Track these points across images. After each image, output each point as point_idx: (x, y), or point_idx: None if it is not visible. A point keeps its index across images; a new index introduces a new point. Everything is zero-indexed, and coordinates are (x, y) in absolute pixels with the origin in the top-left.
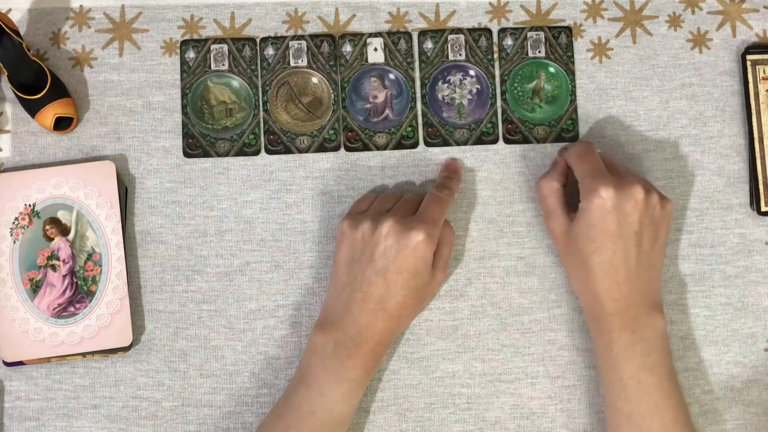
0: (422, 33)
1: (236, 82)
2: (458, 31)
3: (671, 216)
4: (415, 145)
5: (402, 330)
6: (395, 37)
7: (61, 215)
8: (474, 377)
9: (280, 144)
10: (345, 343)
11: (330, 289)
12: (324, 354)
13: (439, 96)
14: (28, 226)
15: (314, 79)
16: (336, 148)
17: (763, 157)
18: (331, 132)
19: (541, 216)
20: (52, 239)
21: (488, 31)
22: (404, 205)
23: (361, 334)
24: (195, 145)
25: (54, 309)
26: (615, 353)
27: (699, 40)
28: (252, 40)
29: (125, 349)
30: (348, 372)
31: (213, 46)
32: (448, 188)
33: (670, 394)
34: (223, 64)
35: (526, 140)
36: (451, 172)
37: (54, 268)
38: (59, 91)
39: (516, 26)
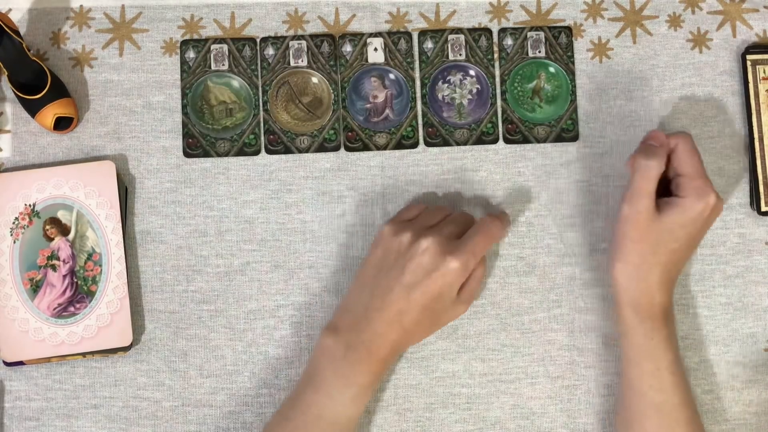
0: (422, 33)
1: (236, 82)
2: (458, 31)
3: None
4: (415, 145)
5: (410, 345)
6: (395, 37)
7: (61, 215)
8: (474, 377)
9: (280, 144)
10: (357, 347)
11: (351, 290)
12: (334, 357)
13: (439, 96)
14: (28, 226)
15: (314, 79)
16: (336, 148)
17: (763, 157)
18: (331, 132)
19: (542, 216)
20: (52, 239)
21: (488, 31)
22: (450, 225)
23: (374, 341)
24: (195, 145)
25: (54, 309)
26: (656, 342)
27: (699, 40)
28: (252, 40)
29: (125, 349)
30: (357, 377)
31: (213, 46)
32: (501, 222)
33: (690, 388)
34: (223, 64)
35: (526, 140)
36: (506, 217)
37: (54, 268)
38: (59, 91)
39: (516, 26)
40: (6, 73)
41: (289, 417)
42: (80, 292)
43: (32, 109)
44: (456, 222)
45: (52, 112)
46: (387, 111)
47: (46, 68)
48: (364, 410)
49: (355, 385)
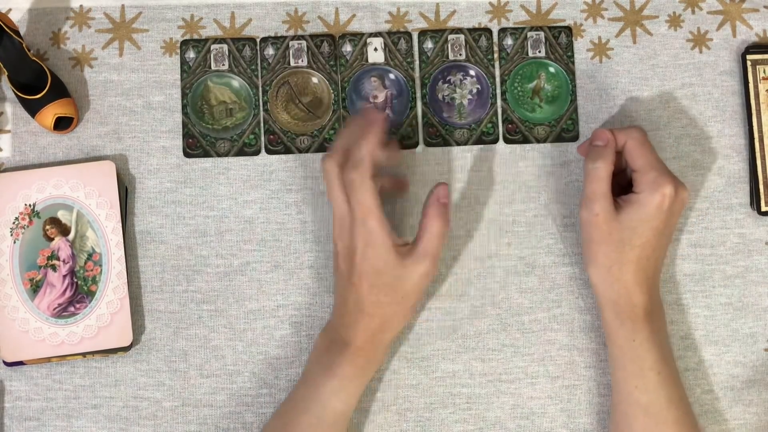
0: (422, 33)
1: (236, 82)
2: (458, 31)
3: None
4: (415, 145)
5: (394, 327)
6: (395, 37)
7: (61, 215)
8: (474, 377)
9: (280, 144)
10: (336, 339)
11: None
12: (320, 351)
13: (439, 96)
14: (28, 226)
15: (314, 79)
16: None
17: (763, 157)
18: (331, 132)
19: (542, 216)
20: (52, 239)
21: (488, 31)
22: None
23: (348, 332)
24: (195, 145)
25: (54, 309)
26: (638, 343)
27: (699, 40)
28: (252, 40)
29: (125, 349)
30: (338, 368)
31: (213, 46)
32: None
33: (680, 386)
34: (223, 64)
35: (526, 140)
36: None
37: (54, 268)
38: (59, 91)
39: (516, 26)
40: (6, 73)
41: (281, 413)
42: (80, 292)
43: (32, 109)
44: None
45: (52, 112)
46: (387, 111)
47: (46, 68)
48: (364, 410)
49: (337, 376)
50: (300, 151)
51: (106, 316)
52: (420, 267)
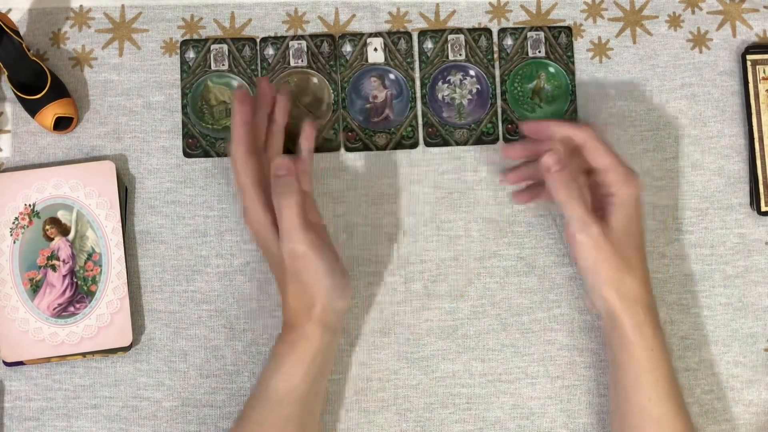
0: (422, 33)
1: (236, 82)
2: (458, 31)
3: None
4: (415, 145)
5: (314, 301)
6: (395, 37)
7: (61, 215)
8: (474, 377)
9: None
10: (284, 322)
11: None
12: (279, 336)
13: (439, 96)
14: (28, 226)
15: (314, 79)
16: (336, 148)
17: (763, 157)
18: (331, 132)
19: (542, 216)
20: (52, 239)
21: (488, 31)
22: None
23: (287, 312)
24: (195, 145)
25: (54, 309)
26: (655, 353)
27: (699, 40)
28: (252, 40)
29: (125, 349)
30: (274, 348)
31: (213, 46)
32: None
33: (682, 394)
34: (223, 64)
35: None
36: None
37: (54, 268)
38: (59, 91)
39: (516, 26)
40: (6, 73)
41: (255, 392)
42: (80, 292)
43: (32, 109)
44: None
45: (52, 112)
46: (387, 111)
47: (46, 68)
48: (364, 410)
49: (273, 356)
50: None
51: (106, 316)
52: (283, 246)
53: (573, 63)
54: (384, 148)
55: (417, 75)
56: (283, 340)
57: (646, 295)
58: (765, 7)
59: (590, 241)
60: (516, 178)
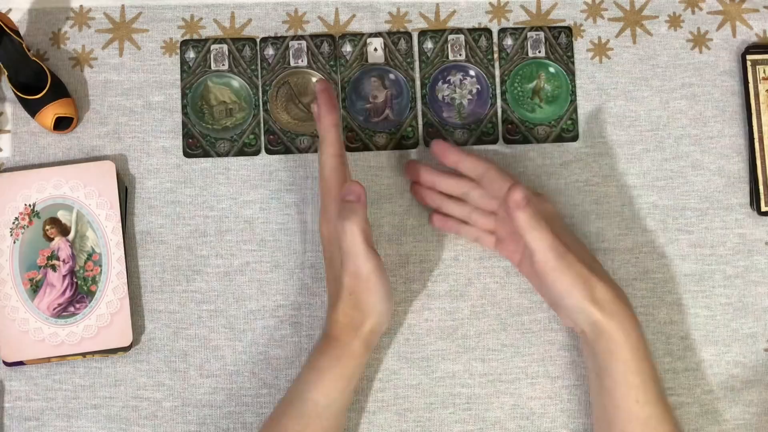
0: (422, 33)
1: (236, 82)
2: (458, 31)
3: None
4: (415, 145)
5: (372, 321)
6: (395, 37)
7: (61, 215)
8: (474, 377)
9: (280, 144)
10: (326, 335)
11: None
12: (315, 347)
13: (439, 96)
14: (28, 226)
15: (314, 79)
16: None
17: (763, 157)
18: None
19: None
20: (52, 239)
21: (488, 31)
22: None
23: (327, 325)
24: (195, 145)
25: (54, 309)
26: (642, 353)
27: (699, 40)
28: (252, 40)
29: (125, 349)
30: (315, 360)
31: (213, 46)
32: (329, 143)
33: (667, 397)
34: (223, 64)
35: (526, 140)
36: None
37: (54, 268)
38: (59, 91)
39: (516, 26)
40: (6, 73)
41: (272, 412)
42: (80, 292)
43: (32, 109)
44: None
45: (52, 112)
46: (387, 111)
47: (46, 68)
48: (364, 410)
49: (314, 369)
50: (300, 151)
51: (106, 316)
52: (345, 274)
53: (573, 63)
54: (384, 148)
55: (417, 75)
56: (325, 352)
57: (618, 292)
58: (765, 7)
59: (563, 264)
60: (445, 225)
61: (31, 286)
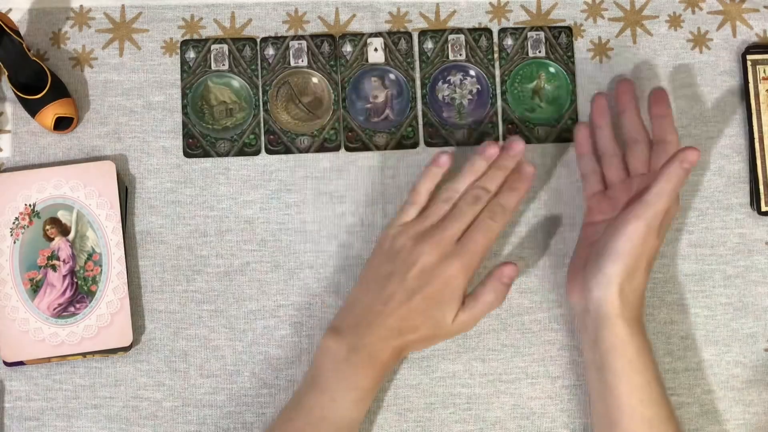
0: (422, 33)
1: (236, 82)
2: (458, 31)
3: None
4: (415, 145)
5: (412, 351)
6: (395, 37)
7: (61, 215)
8: (474, 377)
9: (280, 144)
10: (359, 350)
11: (354, 292)
12: (337, 359)
13: (439, 96)
14: (28, 226)
15: (314, 79)
16: (336, 148)
17: (763, 157)
18: (331, 132)
19: (542, 216)
20: (53, 239)
21: (488, 31)
22: (453, 223)
23: (375, 345)
24: (195, 145)
25: (54, 309)
26: (645, 354)
27: (699, 40)
28: (252, 40)
29: (125, 349)
30: (360, 379)
31: (213, 46)
32: (502, 207)
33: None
34: (224, 64)
35: (526, 140)
36: (516, 179)
37: (54, 268)
38: (59, 91)
39: (516, 26)
40: (6, 73)
41: (293, 418)
42: (80, 292)
43: (32, 109)
44: (459, 219)
45: (52, 112)
46: (387, 111)
47: (46, 68)
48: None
49: (358, 388)
50: (300, 151)
51: (106, 316)
52: (462, 327)
53: (573, 63)
54: (384, 148)
55: (417, 75)
56: (374, 377)
57: (641, 300)
58: (765, 7)
59: (646, 230)
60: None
61: (31, 286)
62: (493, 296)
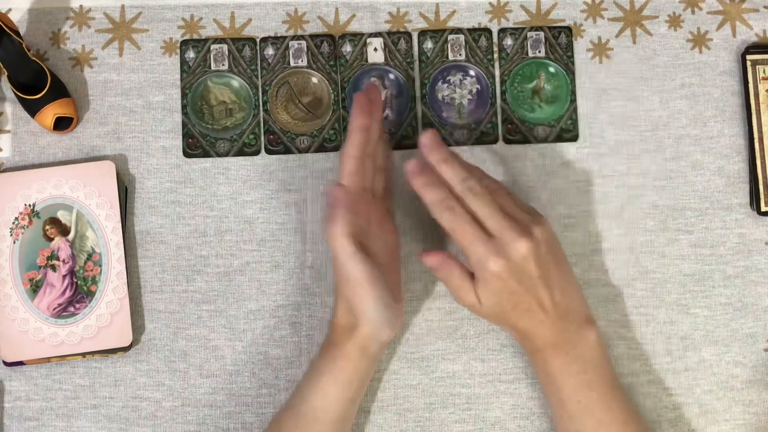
0: (422, 33)
1: (236, 82)
2: (458, 31)
3: (552, 231)
4: (415, 145)
5: (378, 338)
6: (395, 37)
7: (61, 215)
8: (474, 377)
9: (280, 144)
10: (327, 340)
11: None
12: (322, 349)
13: (439, 96)
14: (28, 226)
15: (314, 79)
16: (336, 148)
17: (763, 157)
18: (331, 132)
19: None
20: (52, 239)
21: (488, 31)
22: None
23: (332, 334)
24: (195, 145)
25: (54, 309)
26: (552, 376)
27: (699, 40)
28: (252, 40)
29: (125, 349)
30: (318, 364)
31: (213, 46)
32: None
33: (613, 407)
34: (223, 64)
35: (526, 140)
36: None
37: (54, 268)
38: (59, 91)
39: (516, 26)
40: (6, 73)
41: (291, 405)
42: (80, 292)
43: (32, 109)
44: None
45: (52, 112)
46: (387, 111)
47: (46, 68)
48: (364, 410)
49: (316, 371)
50: (300, 151)
51: (105, 316)
52: (338, 269)
53: (573, 63)
54: None
55: (417, 75)
56: (322, 356)
57: (532, 337)
58: (765, 7)
59: (471, 307)
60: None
61: (31, 286)
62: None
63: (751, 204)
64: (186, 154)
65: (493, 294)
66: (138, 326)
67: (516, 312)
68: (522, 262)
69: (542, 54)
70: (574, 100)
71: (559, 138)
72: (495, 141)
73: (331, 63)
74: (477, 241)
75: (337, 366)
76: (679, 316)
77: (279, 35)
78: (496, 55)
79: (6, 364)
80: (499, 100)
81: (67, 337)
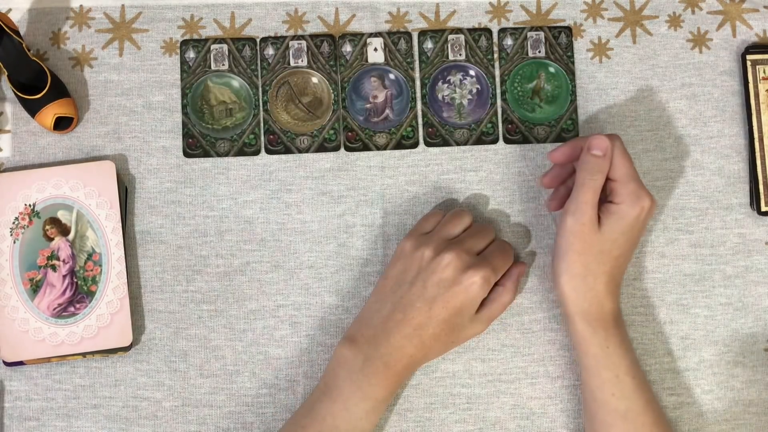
0: (422, 33)
1: (236, 82)
2: (458, 31)
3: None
4: (415, 145)
5: (426, 362)
6: (395, 37)
7: (61, 215)
8: (474, 377)
9: (280, 144)
10: (374, 360)
11: (370, 302)
12: (352, 368)
13: (439, 96)
14: (28, 226)
15: (314, 79)
16: (336, 148)
17: (763, 157)
18: (331, 132)
19: (542, 216)
20: (52, 239)
21: (488, 31)
22: (471, 238)
23: (392, 355)
24: (195, 145)
25: (54, 309)
26: (612, 350)
27: (699, 40)
28: (252, 40)
29: (125, 349)
30: (374, 390)
31: (213, 46)
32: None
33: (652, 390)
34: (223, 64)
35: (526, 140)
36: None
37: (54, 268)
38: (59, 91)
39: (516, 26)
40: (6, 73)
41: (305, 426)
42: (80, 292)
43: (32, 109)
44: (477, 235)
45: (52, 112)
46: (387, 111)
47: (46, 68)
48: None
49: (372, 398)
50: (300, 151)
51: (106, 316)
52: (481, 327)
53: (573, 63)
54: (384, 148)
55: (417, 75)
56: (389, 387)
57: (605, 299)
58: (765, 7)
59: (574, 227)
60: (552, 181)
61: (31, 286)
62: (510, 296)
63: (751, 204)
64: (186, 154)
65: (622, 230)
66: (138, 326)
67: (616, 263)
68: (647, 218)
69: (542, 54)
70: (574, 100)
71: (559, 138)
72: (495, 141)
73: (331, 63)
74: (638, 176)
75: (393, 394)
76: (679, 316)
77: (279, 35)
78: (496, 55)
79: (6, 364)
80: (499, 100)
81: (67, 337)
